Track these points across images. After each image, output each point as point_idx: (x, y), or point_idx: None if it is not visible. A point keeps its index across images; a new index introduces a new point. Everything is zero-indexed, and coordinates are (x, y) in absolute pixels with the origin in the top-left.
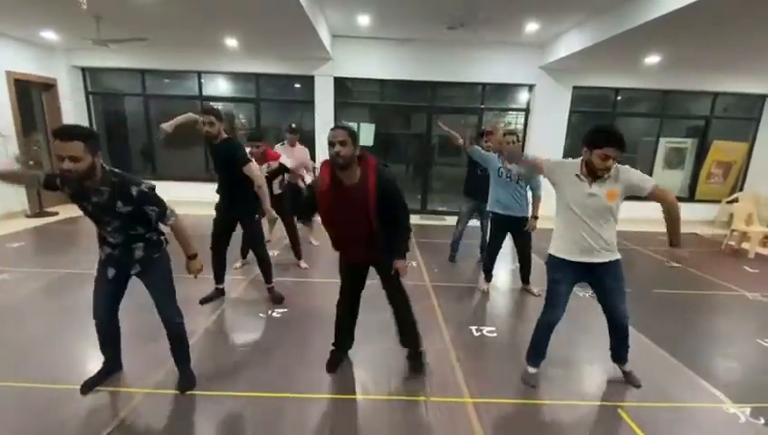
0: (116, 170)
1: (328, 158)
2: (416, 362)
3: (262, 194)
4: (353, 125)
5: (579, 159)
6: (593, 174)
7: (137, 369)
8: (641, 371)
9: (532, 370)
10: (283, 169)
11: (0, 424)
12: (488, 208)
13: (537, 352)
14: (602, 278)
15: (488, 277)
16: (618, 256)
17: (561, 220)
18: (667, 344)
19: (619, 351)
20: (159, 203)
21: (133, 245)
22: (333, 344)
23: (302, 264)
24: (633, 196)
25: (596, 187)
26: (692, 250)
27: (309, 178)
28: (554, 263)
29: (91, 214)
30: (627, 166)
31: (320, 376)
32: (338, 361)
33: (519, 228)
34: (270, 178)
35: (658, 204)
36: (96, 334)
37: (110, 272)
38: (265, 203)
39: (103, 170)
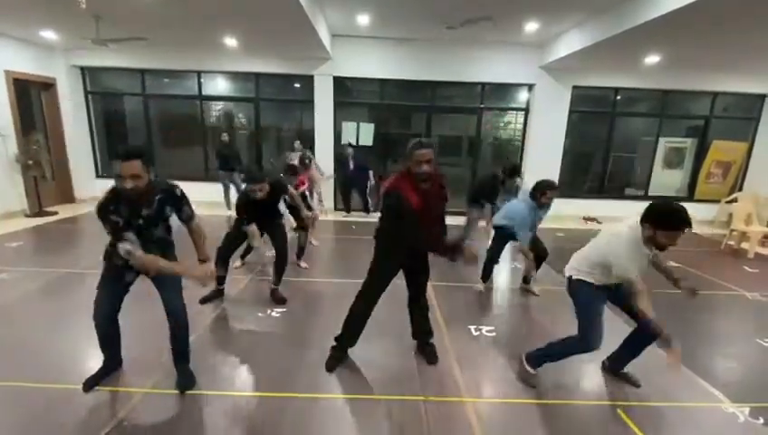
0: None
1: (404, 173)
2: (432, 352)
3: (299, 205)
4: (353, 124)
5: (630, 236)
6: (659, 247)
7: (136, 368)
8: (641, 371)
9: (532, 370)
10: (302, 194)
11: None
12: (495, 223)
13: (548, 360)
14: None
15: (485, 278)
16: None
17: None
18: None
19: (624, 361)
20: (189, 203)
21: (155, 248)
22: (336, 340)
23: (302, 263)
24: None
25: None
26: (691, 250)
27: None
28: (587, 287)
29: (140, 231)
30: None
31: (319, 376)
32: (338, 359)
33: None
34: None
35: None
36: (96, 335)
37: (130, 276)
38: (303, 211)
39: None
